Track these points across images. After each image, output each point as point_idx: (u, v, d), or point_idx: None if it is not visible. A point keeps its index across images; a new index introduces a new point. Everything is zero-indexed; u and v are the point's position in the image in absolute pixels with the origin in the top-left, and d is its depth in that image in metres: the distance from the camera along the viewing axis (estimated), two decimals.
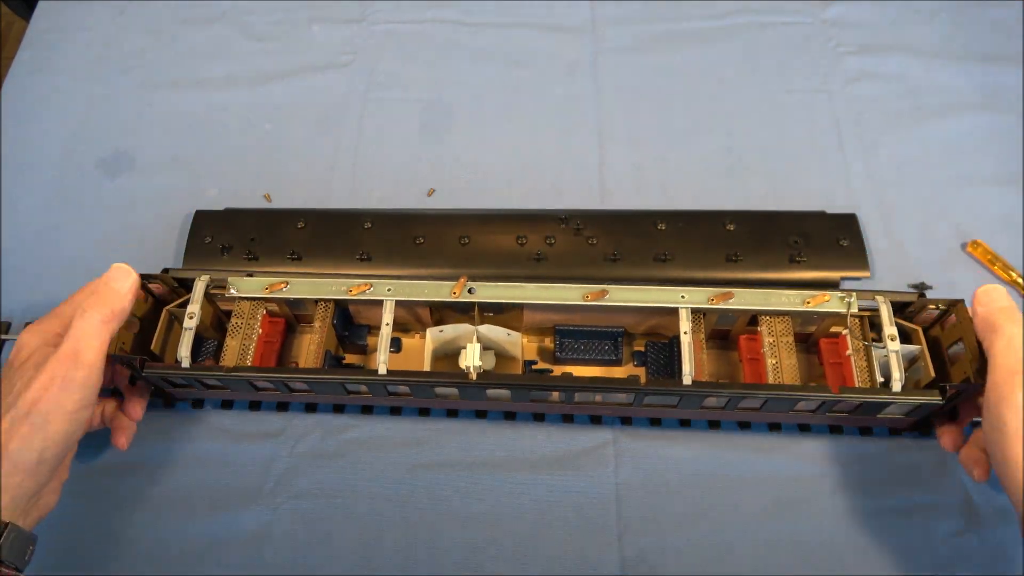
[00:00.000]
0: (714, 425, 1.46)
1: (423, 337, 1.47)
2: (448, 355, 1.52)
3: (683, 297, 1.36)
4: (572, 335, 1.51)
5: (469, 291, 1.39)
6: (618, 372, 1.50)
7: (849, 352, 1.35)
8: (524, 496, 1.42)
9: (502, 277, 1.42)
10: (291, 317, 1.53)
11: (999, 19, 2.03)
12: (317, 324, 1.42)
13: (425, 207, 1.76)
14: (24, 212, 1.77)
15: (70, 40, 2.06)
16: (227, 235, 1.67)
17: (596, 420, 1.47)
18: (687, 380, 1.28)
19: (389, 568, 1.36)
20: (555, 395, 1.42)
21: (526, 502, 1.41)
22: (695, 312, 1.37)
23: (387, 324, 1.35)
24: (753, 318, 1.41)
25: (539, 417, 1.47)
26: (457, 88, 1.95)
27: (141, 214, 1.76)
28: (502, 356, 1.53)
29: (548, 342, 1.54)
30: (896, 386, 1.27)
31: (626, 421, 1.47)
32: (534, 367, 1.52)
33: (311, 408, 1.50)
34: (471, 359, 1.31)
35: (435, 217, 1.71)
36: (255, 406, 1.50)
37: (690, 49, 2.00)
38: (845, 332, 1.37)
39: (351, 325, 1.53)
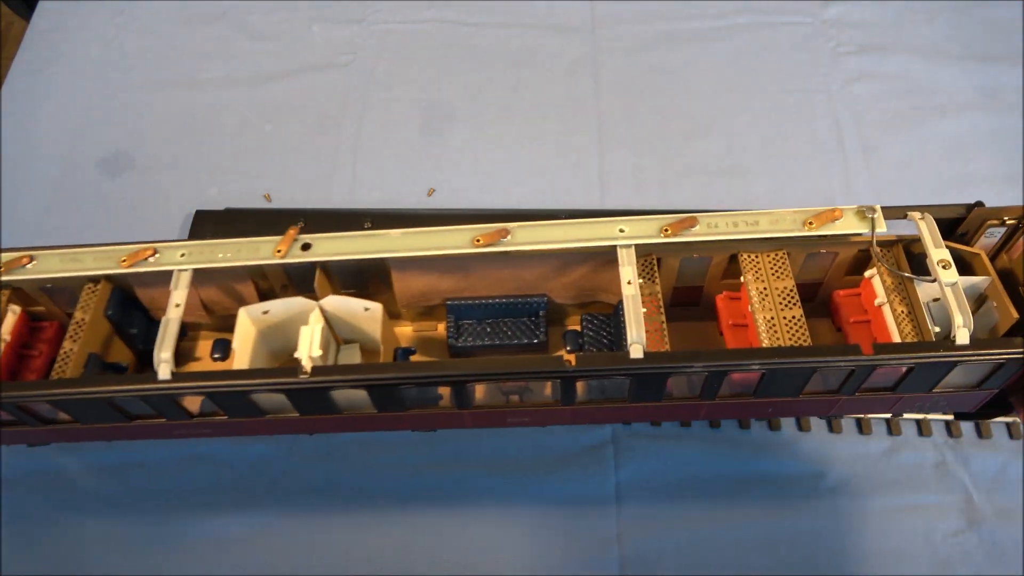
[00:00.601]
0: (714, 424, 1.46)
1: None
2: (291, 359, 1.05)
3: (622, 231, 0.96)
4: (471, 312, 1.09)
5: (303, 248, 1.01)
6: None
7: (880, 301, 0.97)
8: (524, 496, 1.42)
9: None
10: (66, 320, 1.09)
11: (999, 19, 2.03)
12: (79, 316, 1.01)
13: (425, 207, 1.76)
14: (24, 212, 1.77)
15: (70, 40, 2.06)
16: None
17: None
18: (636, 352, 0.88)
19: (389, 568, 1.36)
20: (446, 398, 1.02)
21: (526, 502, 1.41)
22: (643, 255, 0.99)
23: (177, 306, 0.95)
24: (735, 265, 1.04)
25: None
26: (457, 88, 1.95)
27: (141, 214, 1.76)
28: (368, 351, 1.13)
29: (441, 328, 1.15)
30: (962, 335, 0.87)
31: (626, 420, 1.46)
32: (412, 357, 1.11)
33: None
34: (306, 347, 0.93)
35: (435, 217, 1.71)
36: None
37: (690, 49, 2.00)
38: (870, 274, 1.01)
39: (149, 321, 1.11)
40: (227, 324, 1.16)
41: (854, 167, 1.80)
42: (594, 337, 1.09)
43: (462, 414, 1.03)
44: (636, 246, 0.96)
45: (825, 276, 1.06)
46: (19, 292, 1.06)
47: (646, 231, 0.96)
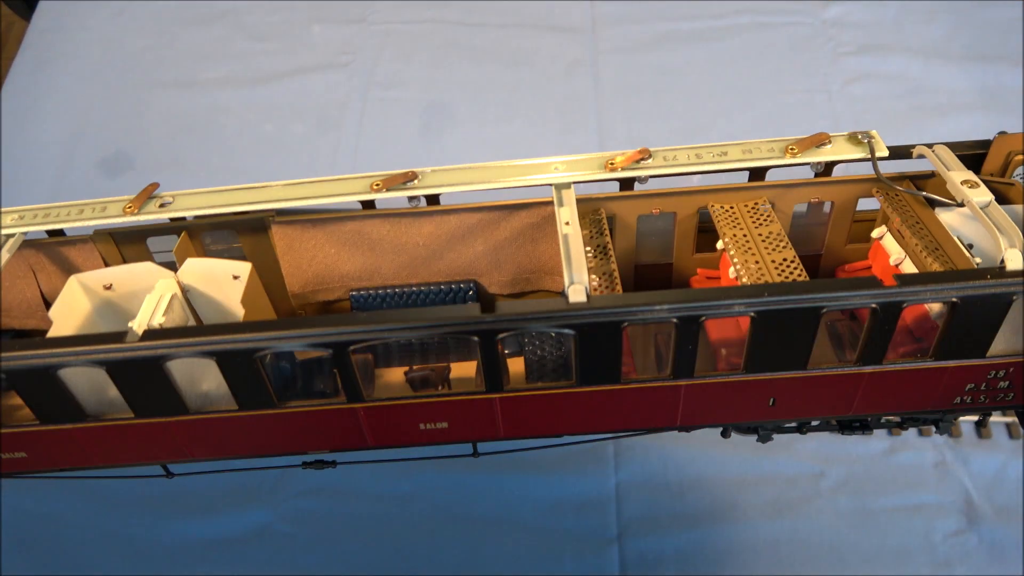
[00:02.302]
0: None
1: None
2: None
3: (557, 169, 0.80)
4: (382, 304, 0.92)
5: (161, 206, 0.86)
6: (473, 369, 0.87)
7: (896, 259, 0.79)
8: (524, 496, 1.41)
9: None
10: None
11: (999, 19, 2.03)
12: None
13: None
14: None
15: (70, 40, 2.06)
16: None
17: None
18: (576, 295, 0.70)
19: (389, 568, 1.36)
20: (339, 389, 0.82)
21: (526, 502, 1.41)
22: (591, 209, 0.82)
23: None
24: (709, 237, 0.86)
25: None
26: (457, 88, 1.95)
27: None
28: None
29: None
30: (1013, 257, 0.67)
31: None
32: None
33: None
34: (145, 316, 0.75)
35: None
36: None
37: (690, 49, 1.99)
38: (879, 233, 0.82)
39: None
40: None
41: None
42: (540, 334, 0.85)
43: (356, 413, 0.82)
44: (574, 184, 0.78)
45: (823, 243, 0.87)
46: None
47: (586, 167, 0.80)
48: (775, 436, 1.06)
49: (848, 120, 1.87)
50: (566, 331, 0.72)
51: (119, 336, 0.72)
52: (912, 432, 1.45)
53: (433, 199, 0.85)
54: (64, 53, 2.04)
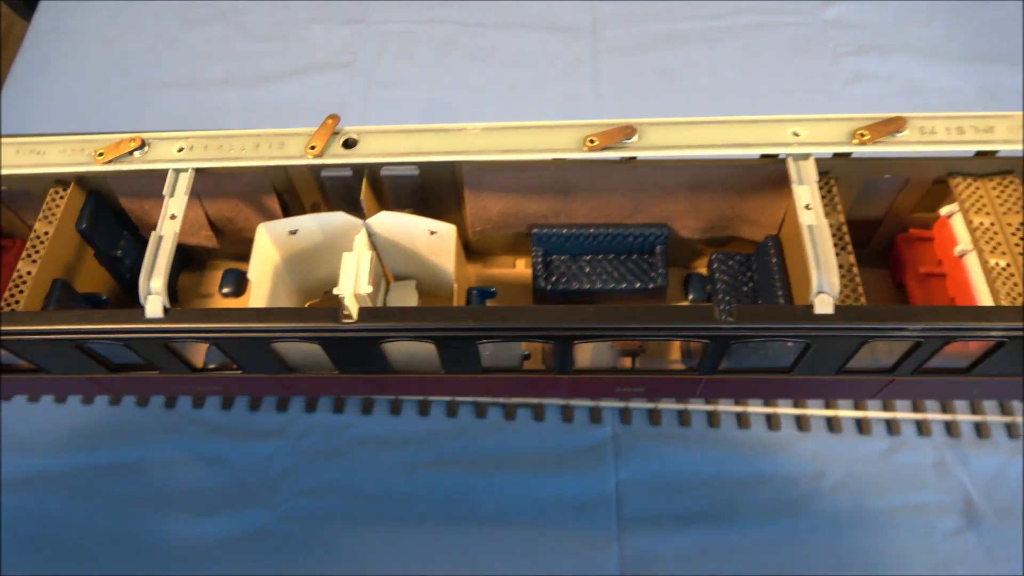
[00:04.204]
0: (714, 423, 1.46)
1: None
2: (327, 296, 0.85)
3: (796, 136, 0.70)
4: (565, 245, 0.86)
5: (346, 145, 0.78)
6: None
7: None
8: (524, 496, 1.41)
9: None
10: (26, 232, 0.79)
11: (999, 19, 2.03)
12: (40, 229, 0.77)
13: None
14: None
15: (70, 40, 2.06)
16: None
17: (596, 418, 1.46)
18: (823, 306, 0.65)
19: (389, 568, 1.36)
20: (536, 357, 0.82)
21: (526, 502, 1.41)
22: (819, 174, 0.70)
23: (173, 217, 0.73)
24: (931, 195, 0.81)
25: (538, 415, 1.47)
26: (457, 88, 1.95)
27: None
28: (429, 292, 0.91)
29: (521, 265, 0.92)
30: None
31: (626, 419, 1.46)
32: (489, 301, 0.88)
33: (311, 406, 1.50)
34: (350, 281, 0.71)
35: None
36: (255, 405, 1.50)
37: (690, 49, 1.99)
38: None
39: (138, 241, 0.84)
40: (243, 251, 0.89)
41: None
42: (730, 284, 0.83)
43: (558, 381, 0.81)
44: (816, 159, 0.70)
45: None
46: None
47: (831, 135, 0.70)
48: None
49: None
50: (799, 341, 0.68)
51: (333, 314, 0.69)
52: (911, 432, 1.45)
53: None
54: (64, 53, 2.04)
